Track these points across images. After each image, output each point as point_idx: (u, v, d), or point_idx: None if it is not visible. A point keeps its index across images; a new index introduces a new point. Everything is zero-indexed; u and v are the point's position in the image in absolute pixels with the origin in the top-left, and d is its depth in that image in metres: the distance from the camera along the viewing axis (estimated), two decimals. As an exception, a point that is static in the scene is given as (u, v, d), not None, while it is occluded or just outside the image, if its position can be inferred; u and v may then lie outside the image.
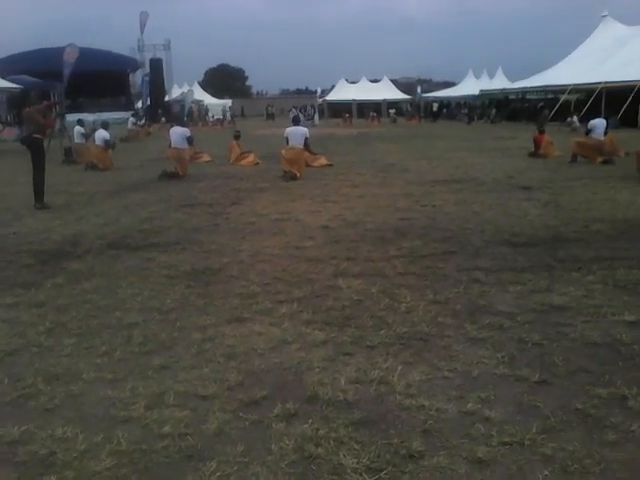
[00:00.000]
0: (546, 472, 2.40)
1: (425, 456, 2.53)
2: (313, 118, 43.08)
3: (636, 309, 4.22)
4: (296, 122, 13.48)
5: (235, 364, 3.47)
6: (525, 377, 3.24)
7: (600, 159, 13.86)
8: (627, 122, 23.29)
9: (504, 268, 5.36)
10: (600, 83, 28.48)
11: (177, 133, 13.52)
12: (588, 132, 14.60)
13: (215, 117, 47.19)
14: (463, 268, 5.39)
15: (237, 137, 16.10)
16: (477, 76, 55.23)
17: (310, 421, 2.81)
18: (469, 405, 2.94)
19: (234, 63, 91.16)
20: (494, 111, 43.22)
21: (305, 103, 54.79)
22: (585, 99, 31.40)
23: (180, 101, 46.87)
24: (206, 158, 16.53)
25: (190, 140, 13.64)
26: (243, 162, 15.34)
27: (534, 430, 2.69)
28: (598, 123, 14.53)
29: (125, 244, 6.66)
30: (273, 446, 2.62)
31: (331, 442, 2.63)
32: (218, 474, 2.45)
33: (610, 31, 36.57)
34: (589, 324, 3.99)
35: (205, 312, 4.37)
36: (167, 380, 3.28)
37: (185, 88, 52.09)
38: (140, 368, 3.46)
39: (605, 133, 14.42)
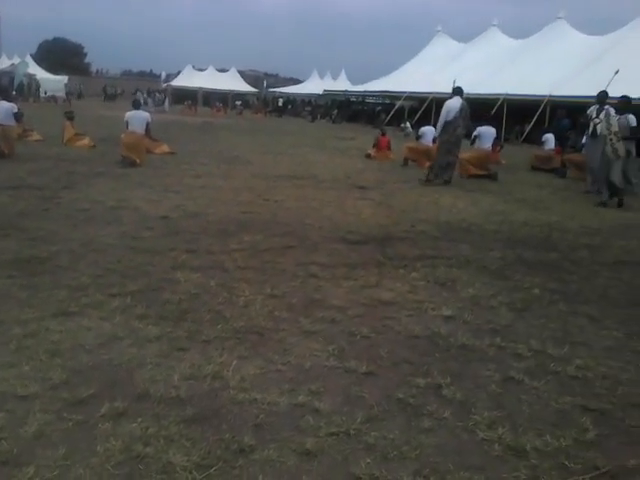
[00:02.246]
0: (368, 460, 2.55)
1: (256, 450, 2.57)
2: (164, 104, 41.67)
3: (453, 304, 4.63)
4: (137, 106, 12.92)
5: (60, 361, 3.26)
6: (353, 369, 3.41)
7: (428, 164, 14.91)
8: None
9: (339, 264, 5.60)
10: (431, 93, 30.70)
11: (3, 108, 12.37)
12: (418, 138, 15.71)
13: (49, 94, 43.76)
14: (301, 263, 5.54)
15: (70, 118, 15.08)
16: (321, 76, 57.05)
17: (139, 420, 2.73)
18: (300, 397, 3.03)
19: (72, 38, 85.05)
20: (336, 111, 44.83)
21: (149, 86, 52.71)
22: (418, 107, 33.70)
23: (9, 73, 42.68)
24: (36, 137, 15.29)
25: (18, 116, 12.58)
26: (78, 144, 14.39)
27: (359, 420, 2.85)
28: (427, 130, 15.65)
29: None
30: (98, 447, 2.51)
31: (161, 440, 2.58)
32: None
33: (442, 45, 39.74)
34: (412, 318, 4.30)
35: (28, 305, 4.05)
36: (-20, 380, 3.01)
37: (16, 60, 47.55)
38: (-52, 368, 3.13)
39: (433, 140, 15.57)
